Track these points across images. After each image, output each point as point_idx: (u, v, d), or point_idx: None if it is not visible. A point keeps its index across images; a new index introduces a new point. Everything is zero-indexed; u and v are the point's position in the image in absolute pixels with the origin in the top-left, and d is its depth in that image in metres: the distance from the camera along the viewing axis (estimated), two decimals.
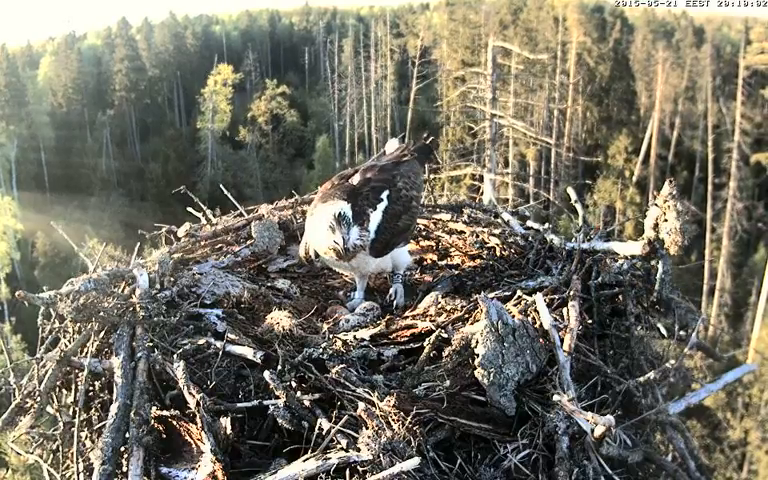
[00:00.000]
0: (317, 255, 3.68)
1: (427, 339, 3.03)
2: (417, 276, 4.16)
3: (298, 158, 52.75)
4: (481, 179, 29.51)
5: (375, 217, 3.57)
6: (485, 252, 4.18)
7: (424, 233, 4.64)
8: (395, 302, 3.81)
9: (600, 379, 2.99)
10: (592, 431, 2.54)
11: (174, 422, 2.72)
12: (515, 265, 3.98)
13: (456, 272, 4.02)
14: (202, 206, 4.96)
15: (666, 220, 3.32)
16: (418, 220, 4.43)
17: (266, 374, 2.69)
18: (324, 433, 2.54)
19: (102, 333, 3.20)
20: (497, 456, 2.61)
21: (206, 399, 2.63)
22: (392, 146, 4.39)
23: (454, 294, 3.69)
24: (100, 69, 58.85)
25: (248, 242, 4.32)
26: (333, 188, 3.69)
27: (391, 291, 3.89)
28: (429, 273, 4.16)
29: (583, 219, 4.03)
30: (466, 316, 3.29)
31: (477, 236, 4.35)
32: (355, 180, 3.72)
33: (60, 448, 2.99)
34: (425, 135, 4.55)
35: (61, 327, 3.34)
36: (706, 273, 34.84)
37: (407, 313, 3.58)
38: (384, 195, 3.65)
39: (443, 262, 4.30)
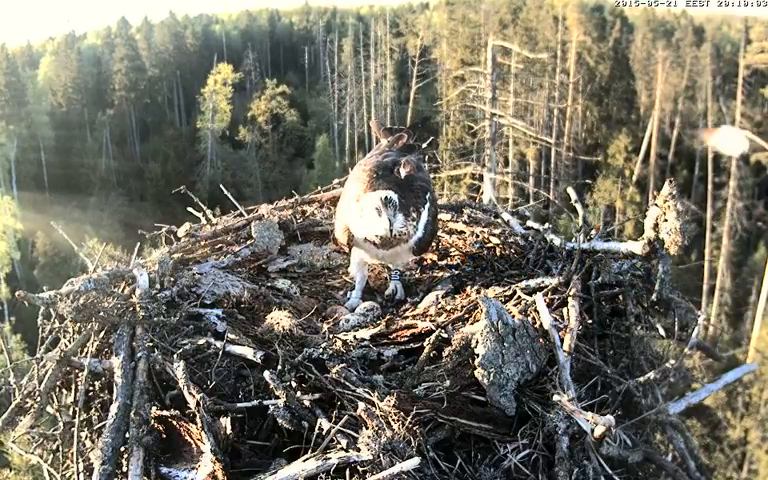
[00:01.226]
0: (352, 239, 3.66)
1: (427, 339, 3.03)
2: (417, 276, 4.16)
3: (298, 158, 52.74)
4: (481, 178, 29.51)
5: (423, 216, 3.61)
6: (485, 252, 4.19)
7: None
8: (395, 298, 3.85)
9: (600, 379, 2.99)
10: (592, 431, 2.54)
11: (174, 422, 2.72)
12: (515, 265, 3.98)
13: (456, 272, 4.02)
14: (202, 206, 4.95)
15: (666, 220, 3.31)
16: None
17: (266, 374, 2.69)
18: (324, 433, 2.54)
19: (102, 333, 3.20)
20: (497, 456, 2.61)
21: (206, 399, 2.63)
22: (379, 129, 4.40)
23: (454, 294, 3.70)
24: (100, 69, 58.82)
25: (248, 242, 4.32)
26: (379, 179, 3.61)
27: (391, 287, 3.93)
28: (429, 273, 4.16)
29: (583, 219, 4.03)
30: (466, 316, 3.28)
31: (477, 236, 4.35)
32: (402, 174, 3.66)
33: (60, 448, 2.99)
34: (418, 123, 4.63)
35: (61, 327, 3.34)
36: (706, 272, 34.85)
37: (407, 313, 3.59)
38: (427, 196, 3.70)
39: (443, 262, 4.30)
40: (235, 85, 52.99)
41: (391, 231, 3.42)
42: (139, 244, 4.13)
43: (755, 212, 36.91)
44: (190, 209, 4.97)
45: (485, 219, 4.73)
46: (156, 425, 2.71)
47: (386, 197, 3.39)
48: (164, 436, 2.74)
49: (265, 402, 2.68)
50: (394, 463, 2.34)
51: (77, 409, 2.96)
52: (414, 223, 3.53)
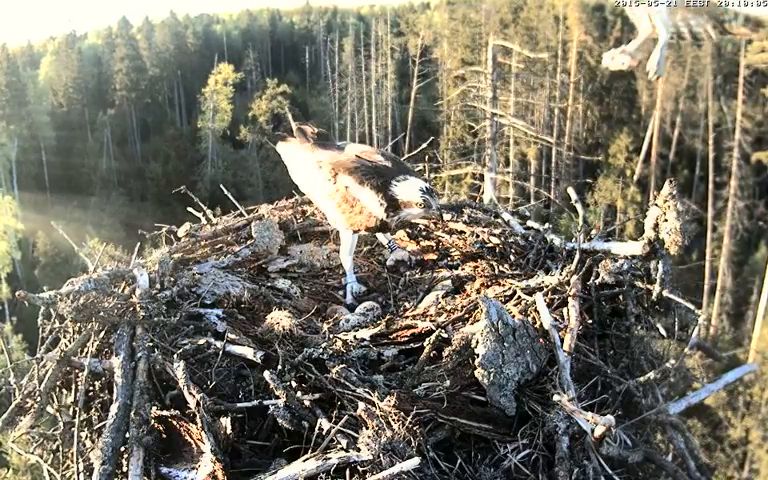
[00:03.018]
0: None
1: (427, 339, 3.03)
2: (417, 276, 4.15)
3: None
4: (482, 178, 29.51)
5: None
6: (485, 252, 4.18)
7: (424, 233, 4.64)
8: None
9: (600, 379, 2.99)
10: (592, 431, 2.54)
11: (174, 422, 2.73)
12: (515, 265, 3.98)
13: (456, 272, 4.02)
14: (202, 206, 4.95)
15: (666, 220, 3.31)
16: (417, 220, 4.67)
17: (266, 374, 2.69)
18: (324, 433, 2.54)
19: (102, 333, 3.21)
20: (497, 456, 2.61)
21: (206, 399, 2.64)
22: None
23: (454, 294, 3.69)
24: (101, 69, 58.84)
25: (248, 242, 4.32)
26: (373, 173, 3.80)
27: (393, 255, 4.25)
28: (429, 273, 4.16)
29: (583, 219, 4.02)
30: (466, 316, 3.29)
31: (477, 236, 4.35)
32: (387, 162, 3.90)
33: (60, 448, 2.99)
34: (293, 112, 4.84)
35: (61, 327, 3.34)
36: (707, 272, 34.79)
37: (407, 313, 3.59)
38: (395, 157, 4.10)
39: (443, 262, 4.29)
40: (236, 85, 52.96)
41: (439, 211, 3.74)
42: (139, 244, 4.13)
43: (756, 212, 36.85)
44: (190, 209, 4.97)
45: (485, 219, 4.72)
46: (156, 425, 2.72)
47: (425, 188, 3.65)
48: (164, 436, 2.74)
49: (265, 402, 2.69)
50: (394, 463, 2.34)
51: (77, 409, 2.96)
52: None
